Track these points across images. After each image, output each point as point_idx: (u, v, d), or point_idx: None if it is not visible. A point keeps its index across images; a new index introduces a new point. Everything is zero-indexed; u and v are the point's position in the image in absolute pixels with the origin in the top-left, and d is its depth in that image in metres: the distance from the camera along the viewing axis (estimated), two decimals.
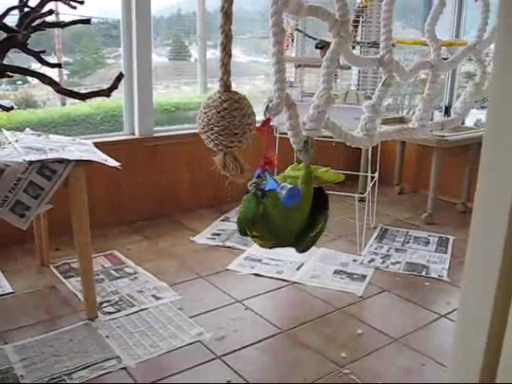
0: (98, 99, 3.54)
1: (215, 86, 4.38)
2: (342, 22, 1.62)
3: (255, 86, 4.70)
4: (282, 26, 1.43)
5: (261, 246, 1.52)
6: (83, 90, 3.56)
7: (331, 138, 1.77)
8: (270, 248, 1.58)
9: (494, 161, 0.78)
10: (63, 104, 3.72)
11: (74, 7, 2.06)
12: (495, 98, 0.78)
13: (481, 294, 0.79)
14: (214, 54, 4.43)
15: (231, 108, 1.30)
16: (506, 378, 0.76)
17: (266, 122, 1.44)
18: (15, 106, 3.50)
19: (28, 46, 2.06)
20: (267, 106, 1.43)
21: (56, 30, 3.47)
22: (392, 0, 1.84)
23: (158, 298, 2.56)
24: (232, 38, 1.27)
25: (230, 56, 1.28)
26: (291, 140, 1.55)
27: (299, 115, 1.52)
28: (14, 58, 2.60)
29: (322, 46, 3.13)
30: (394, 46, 3.24)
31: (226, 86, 1.31)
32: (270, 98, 1.44)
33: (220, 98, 1.31)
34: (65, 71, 3.78)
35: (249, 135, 1.33)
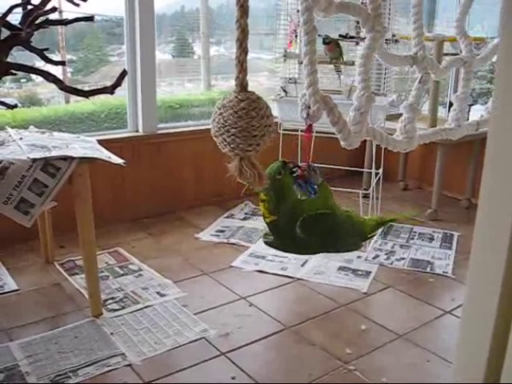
0: (102, 97, 3.55)
1: (218, 83, 4.38)
2: (375, 16, 1.55)
3: (259, 82, 4.69)
4: (313, 23, 1.35)
5: (264, 218, 1.45)
6: (87, 88, 3.57)
7: (333, 134, 1.76)
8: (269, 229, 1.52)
9: (498, 156, 0.78)
10: (67, 102, 3.72)
11: (77, 4, 2.06)
12: (500, 93, 0.77)
13: (486, 292, 0.78)
14: (218, 50, 4.43)
15: (249, 108, 1.21)
16: (511, 378, 0.76)
17: (308, 129, 1.37)
18: (19, 104, 3.51)
19: (31, 44, 2.06)
20: (307, 114, 1.34)
21: (59, 28, 3.47)
22: None
23: (162, 295, 2.56)
24: (248, 34, 1.19)
25: (246, 53, 1.18)
26: (341, 139, 1.48)
27: (342, 114, 1.47)
28: (18, 55, 2.60)
29: (329, 41, 3.12)
30: (397, 41, 3.23)
31: (242, 86, 1.22)
32: (307, 104, 1.34)
33: (237, 97, 1.23)
34: (68, 69, 3.79)
35: (267, 138, 1.23)
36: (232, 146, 1.23)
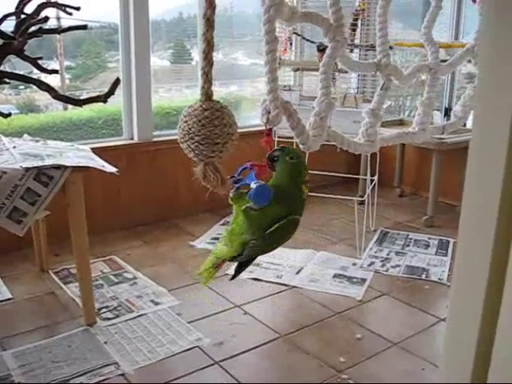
0: (100, 103, 3.55)
1: (216, 89, 4.39)
2: (337, 27, 1.62)
3: (257, 88, 4.70)
4: (274, 34, 1.42)
5: None
6: (85, 94, 3.57)
7: (328, 141, 1.77)
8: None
9: (480, 163, 0.79)
10: (65, 108, 3.73)
11: (70, 13, 2.06)
12: (481, 101, 0.78)
13: (471, 296, 0.79)
14: (216, 56, 4.43)
15: (212, 117, 1.27)
16: (497, 379, 0.76)
17: (268, 133, 1.41)
18: (17, 111, 3.51)
19: (26, 52, 2.06)
20: (267, 118, 1.40)
21: (57, 35, 3.47)
22: (386, 3, 1.83)
23: (156, 304, 2.55)
24: (214, 46, 1.25)
25: (211, 65, 1.26)
26: (300, 143, 1.53)
27: (301, 120, 1.51)
28: (16, 62, 2.60)
29: (323, 48, 3.14)
30: (391, 48, 3.24)
31: (207, 95, 1.29)
32: (267, 109, 1.41)
33: (201, 106, 1.29)
34: (67, 75, 3.79)
35: (230, 145, 1.31)
36: (196, 152, 1.29)
